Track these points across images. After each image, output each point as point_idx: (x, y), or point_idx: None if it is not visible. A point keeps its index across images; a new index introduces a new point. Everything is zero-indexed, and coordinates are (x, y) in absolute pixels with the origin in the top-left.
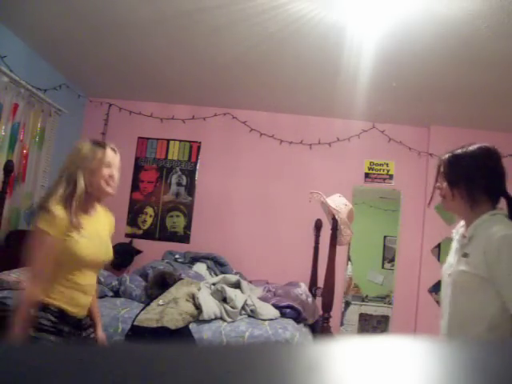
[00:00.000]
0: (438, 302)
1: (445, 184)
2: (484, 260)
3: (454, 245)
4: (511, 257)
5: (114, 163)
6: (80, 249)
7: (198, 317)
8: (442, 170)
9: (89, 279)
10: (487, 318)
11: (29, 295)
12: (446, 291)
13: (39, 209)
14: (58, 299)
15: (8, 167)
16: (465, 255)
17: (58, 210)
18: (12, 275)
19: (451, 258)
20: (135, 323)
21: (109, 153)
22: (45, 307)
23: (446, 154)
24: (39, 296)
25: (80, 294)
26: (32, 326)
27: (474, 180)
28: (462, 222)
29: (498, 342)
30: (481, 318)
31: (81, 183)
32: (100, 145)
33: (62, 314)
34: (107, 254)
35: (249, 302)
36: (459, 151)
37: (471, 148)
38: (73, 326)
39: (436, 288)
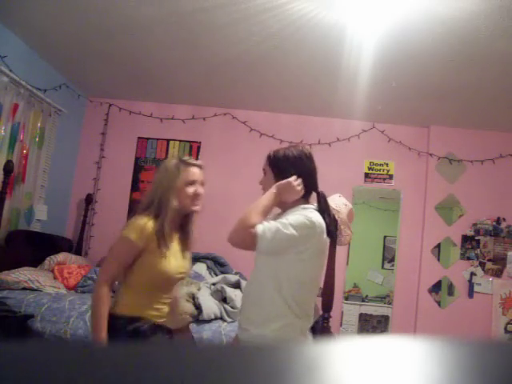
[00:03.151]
0: (438, 302)
1: (264, 179)
2: None
3: None
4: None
5: (199, 180)
6: (168, 267)
7: (197, 317)
8: (263, 166)
9: (171, 292)
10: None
11: (98, 296)
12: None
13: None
14: (150, 315)
15: (8, 167)
16: None
17: (148, 223)
18: (12, 275)
19: None
20: None
21: (193, 170)
22: (137, 319)
23: (269, 153)
24: (108, 295)
25: (165, 307)
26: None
27: (285, 178)
28: (279, 210)
29: (498, 343)
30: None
31: (172, 205)
32: (185, 162)
33: (154, 326)
34: (187, 269)
35: None
36: (276, 152)
37: (286, 150)
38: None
39: (436, 288)
